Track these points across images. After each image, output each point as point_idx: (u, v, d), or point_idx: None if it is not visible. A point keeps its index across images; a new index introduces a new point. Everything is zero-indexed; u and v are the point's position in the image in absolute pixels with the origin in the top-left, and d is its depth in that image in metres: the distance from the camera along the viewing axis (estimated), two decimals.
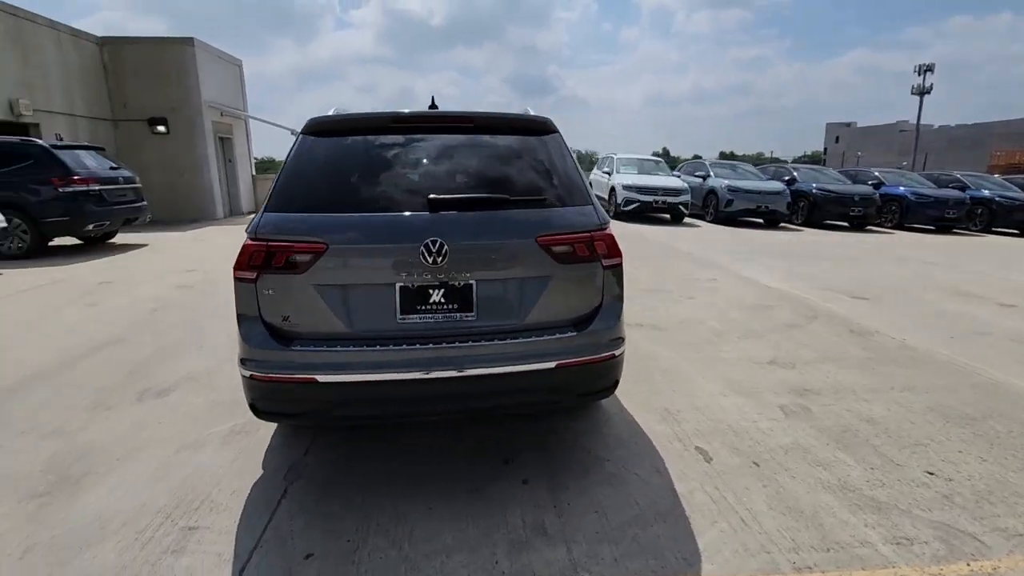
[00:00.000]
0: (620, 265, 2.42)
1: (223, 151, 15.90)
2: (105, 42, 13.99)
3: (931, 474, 2.53)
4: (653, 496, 2.34)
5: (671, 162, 23.80)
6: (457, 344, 2.18)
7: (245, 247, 2.15)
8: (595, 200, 2.48)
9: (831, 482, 2.46)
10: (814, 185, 13.48)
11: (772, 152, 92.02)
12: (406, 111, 2.53)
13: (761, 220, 13.48)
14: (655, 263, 7.68)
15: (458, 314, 2.21)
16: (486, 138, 2.52)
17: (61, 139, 11.98)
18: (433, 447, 2.73)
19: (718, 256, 8.34)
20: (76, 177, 8.06)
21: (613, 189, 13.42)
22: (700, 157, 31.85)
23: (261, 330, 2.17)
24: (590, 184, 4.91)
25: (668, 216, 13.59)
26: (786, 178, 14.15)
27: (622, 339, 2.42)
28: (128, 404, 3.17)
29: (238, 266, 2.16)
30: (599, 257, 2.33)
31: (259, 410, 2.21)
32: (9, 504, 2.27)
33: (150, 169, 14.13)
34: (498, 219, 2.26)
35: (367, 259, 2.17)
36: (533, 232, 2.23)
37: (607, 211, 13.68)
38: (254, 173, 17.52)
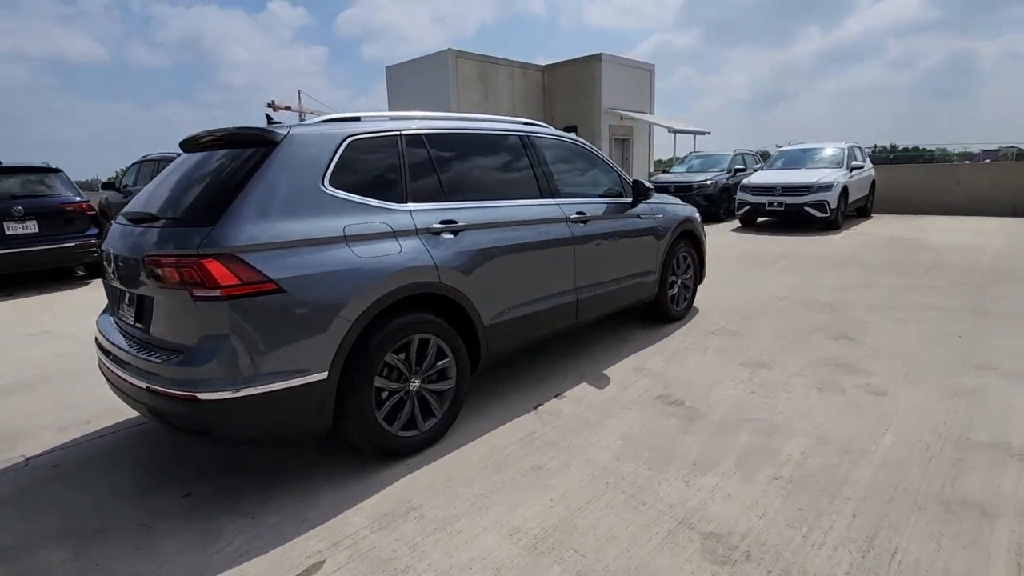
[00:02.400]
0: (222, 299, 2.10)
1: (621, 151, 17.51)
2: (546, 69, 17.61)
3: None
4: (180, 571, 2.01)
5: None
6: (124, 348, 2.47)
7: None
8: (229, 218, 2.18)
9: None
10: None
11: None
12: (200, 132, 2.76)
13: None
14: (951, 325, 4.37)
15: (132, 320, 2.49)
16: (211, 155, 2.55)
17: None
18: None
19: None
20: None
21: None
22: None
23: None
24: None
25: None
26: None
27: (221, 383, 2.13)
28: None
29: None
30: (187, 286, 2.11)
31: None
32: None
33: None
34: (133, 235, 2.37)
35: (105, 262, 2.71)
36: (143, 251, 2.25)
37: None
38: (651, 171, 18.46)
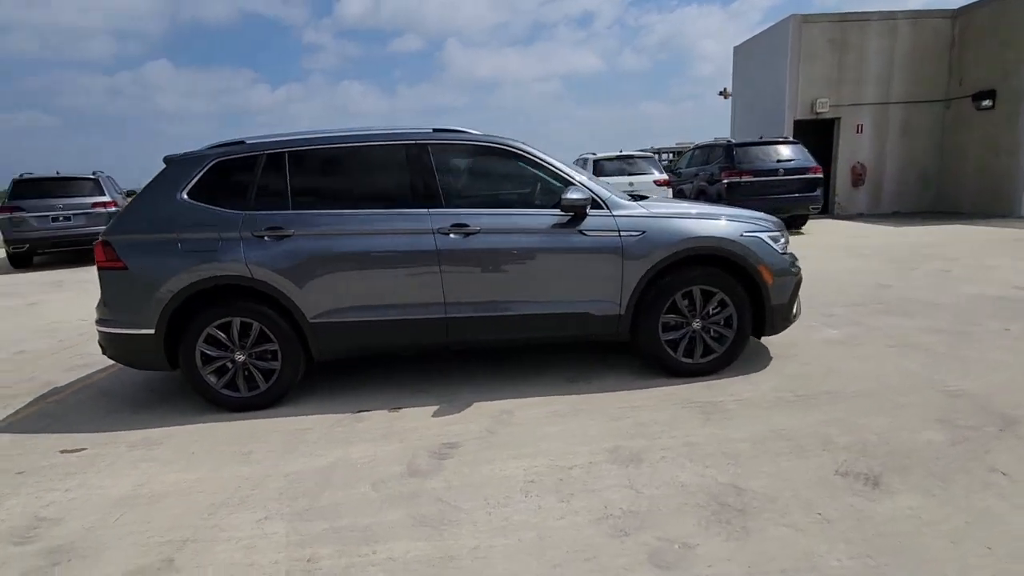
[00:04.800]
0: (100, 268, 3.32)
1: None
2: (959, 14, 12.46)
3: None
4: None
5: None
6: None
7: None
8: (116, 215, 3.35)
9: None
10: None
11: None
12: None
13: None
14: None
15: None
16: None
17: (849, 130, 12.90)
18: None
19: None
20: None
21: None
22: None
23: None
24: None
25: None
26: None
27: (102, 322, 3.40)
28: None
29: None
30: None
31: None
32: None
33: (966, 151, 12.41)
34: None
35: None
36: None
37: None
38: None
